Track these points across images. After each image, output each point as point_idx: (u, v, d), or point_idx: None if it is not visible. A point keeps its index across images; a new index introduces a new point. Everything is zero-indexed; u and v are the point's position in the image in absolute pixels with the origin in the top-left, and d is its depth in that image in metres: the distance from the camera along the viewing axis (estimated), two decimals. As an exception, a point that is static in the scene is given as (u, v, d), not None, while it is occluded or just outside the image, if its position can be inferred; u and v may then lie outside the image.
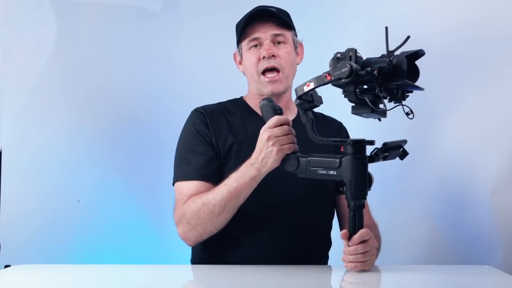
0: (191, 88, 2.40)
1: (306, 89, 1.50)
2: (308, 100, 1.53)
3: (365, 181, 1.49)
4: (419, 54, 1.40)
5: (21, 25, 2.36)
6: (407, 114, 1.43)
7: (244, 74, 1.88)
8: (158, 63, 2.43)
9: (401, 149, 1.54)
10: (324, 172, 1.51)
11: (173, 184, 1.79)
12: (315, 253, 1.82)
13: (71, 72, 2.37)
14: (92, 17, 2.41)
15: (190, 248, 1.87)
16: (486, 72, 2.35)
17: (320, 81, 1.46)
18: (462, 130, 2.37)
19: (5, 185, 2.29)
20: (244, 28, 1.80)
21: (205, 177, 1.73)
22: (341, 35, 2.39)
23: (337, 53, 1.45)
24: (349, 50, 1.43)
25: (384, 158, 1.51)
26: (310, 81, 1.49)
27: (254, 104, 1.86)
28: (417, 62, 1.43)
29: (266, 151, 1.55)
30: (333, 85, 1.46)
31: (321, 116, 1.91)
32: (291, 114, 1.85)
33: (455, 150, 2.38)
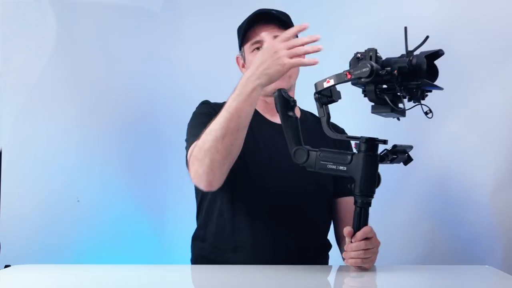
0: (192, 88, 2.40)
1: (325, 85, 1.49)
2: (327, 95, 1.53)
3: (375, 179, 1.50)
4: (438, 54, 1.41)
5: (21, 25, 2.35)
6: (426, 113, 1.43)
7: None
8: (158, 63, 2.43)
9: (406, 154, 1.54)
10: (334, 167, 1.51)
11: (187, 149, 1.72)
12: (315, 254, 1.82)
13: (71, 72, 2.37)
14: (92, 17, 2.41)
15: (190, 248, 1.88)
16: (486, 71, 2.35)
17: (340, 78, 1.46)
18: (462, 130, 2.38)
19: (5, 185, 2.28)
20: (246, 31, 1.80)
21: None
22: (341, 35, 2.39)
23: (357, 52, 1.45)
24: (369, 50, 1.43)
25: (392, 161, 1.51)
26: (330, 77, 1.49)
27: (257, 105, 1.84)
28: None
29: (270, 61, 1.50)
30: (352, 84, 1.47)
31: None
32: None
33: (455, 150, 2.38)
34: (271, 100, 1.83)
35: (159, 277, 1.59)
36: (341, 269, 1.60)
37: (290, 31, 1.53)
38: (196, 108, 1.86)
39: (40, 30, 2.37)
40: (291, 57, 1.49)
